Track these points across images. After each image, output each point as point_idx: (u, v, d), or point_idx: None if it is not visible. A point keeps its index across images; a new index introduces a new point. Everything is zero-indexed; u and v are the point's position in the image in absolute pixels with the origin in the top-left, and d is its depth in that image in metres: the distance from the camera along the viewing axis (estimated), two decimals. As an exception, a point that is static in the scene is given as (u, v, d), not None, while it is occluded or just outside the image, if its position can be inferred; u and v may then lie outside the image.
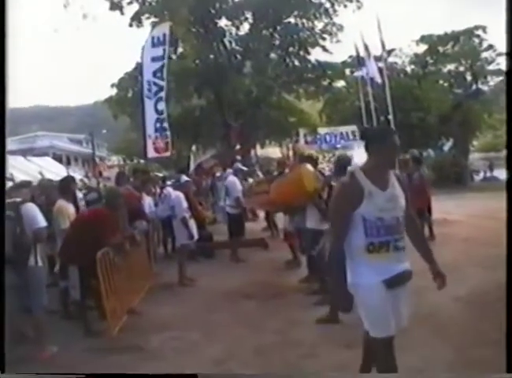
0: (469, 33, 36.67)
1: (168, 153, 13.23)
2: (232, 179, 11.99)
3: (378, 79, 27.59)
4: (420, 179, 12.14)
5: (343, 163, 6.82)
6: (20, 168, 19.15)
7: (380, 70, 28.08)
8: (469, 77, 37.26)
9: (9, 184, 7.81)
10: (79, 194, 9.61)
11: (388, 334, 3.71)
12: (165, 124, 12.92)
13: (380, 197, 3.63)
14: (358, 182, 3.63)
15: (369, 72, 28.17)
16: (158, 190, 11.96)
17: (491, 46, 36.38)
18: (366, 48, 28.51)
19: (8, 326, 5.87)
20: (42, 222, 5.81)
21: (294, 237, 9.51)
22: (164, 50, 13.26)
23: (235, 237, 11.46)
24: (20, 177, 14.02)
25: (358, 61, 30.57)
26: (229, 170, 13.62)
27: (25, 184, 7.32)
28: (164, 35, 13.38)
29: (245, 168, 13.88)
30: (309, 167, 7.47)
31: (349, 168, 6.41)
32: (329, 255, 3.74)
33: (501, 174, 34.96)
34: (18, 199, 5.85)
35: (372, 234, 3.61)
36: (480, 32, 36.26)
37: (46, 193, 8.98)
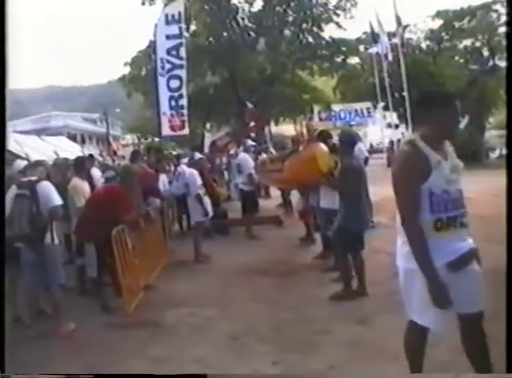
0: (487, 8, 36.10)
1: (185, 132, 13.22)
2: (244, 156, 12.00)
3: (389, 57, 27.42)
4: None
5: (348, 141, 6.73)
6: (35, 148, 19.24)
7: (395, 46, 27.89)
8: (485, 53, 36.79)
9: (24, 163, 7.87)
10: (98, 172, 9.63)
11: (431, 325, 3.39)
12: (182, 102, 12.88)
13: (446, 167, 3.30)
14: (422, 151, 3.24)
15: (383, 49, 28.04)
16: (173, 168, 11.97)
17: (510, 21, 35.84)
18: (380, 25, 28.31)
19: (27, 302, 5.97)
20: (57, 200, 5.81)
21: (309, 215, 9.50)
22: (180, 27, 13.19)
23: (249, 214, 11.46)
24: (35, 157, 14.08)
25: (373, 38, 30.36)
26: (241, 147, 13.58)
27: (40, 163, 7.33)
28: (179, 12, 13.28)
29: (254, 144, 13.81)
30: (323, 146, 7.40)
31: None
32: (412, 239, 3.26)
33: (517, 151, 34.75)
34: (33, 178, 5.85)
35: (439, 209, 3.26)
36: (498, 7, 35.68)
37: (62, 172, 9.04)
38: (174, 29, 13.11)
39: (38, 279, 5.76)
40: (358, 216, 6.35)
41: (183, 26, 13.36)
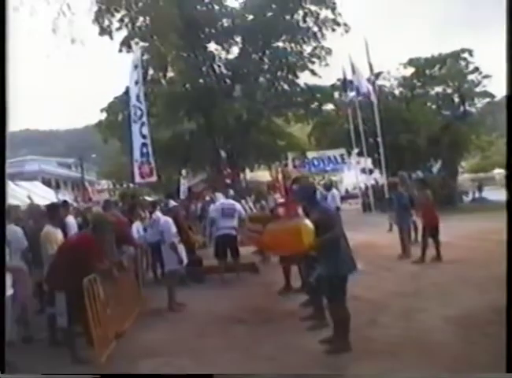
0: (456, 56, 37.10)
1: (152, 179, 13.21)
2: (229, 202, 12.02)
3: (373, 98, 27.85)
4: (426, 200, 12.23)
5: (306, 195, 6.69)
6: (9, 193, 19.00)
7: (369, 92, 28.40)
8: (456, 99, 37.58)
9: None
10: (72, 219, 9.54)
11: None
12: (148, 149, 12.90)
13: None
14: None
15: (361, 91, 28.49)
16: (148, 215, 11.90)
17: (477, 69, 36.83)
18: (354, 70, 28.84)
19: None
20: None
21: (290, 261, 9.39)
22: (137, 73, 13.37)
23: (226, 259, 11.46)
24: (8, 201, 13.93)
25: (345, 84, 30.87)
26: (218, 193, 13.54)
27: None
28: (137, 58, 13.53)
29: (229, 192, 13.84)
30: (308, 222, 7.19)
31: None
32: None
33: (490, 195, 35.17)
34: None
35: None
36: (466, 55, 36.71)
37: (35, 218, 8.94)
38: (137, 74, 13.29)
39: None
40: (338, 259, 6.18)
41: (140, 71, 13.51)
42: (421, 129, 32.18)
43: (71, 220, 9.30)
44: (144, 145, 12.83)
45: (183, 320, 8.20)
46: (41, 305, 8.11)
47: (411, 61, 38.47)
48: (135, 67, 13.33)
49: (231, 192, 14.04)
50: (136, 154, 12.78)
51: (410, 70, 38.69)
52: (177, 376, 4.84)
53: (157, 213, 10.58)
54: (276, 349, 6.37)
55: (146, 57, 27.57)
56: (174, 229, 9.33)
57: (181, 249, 9.35)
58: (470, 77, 37.16)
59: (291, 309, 8.30)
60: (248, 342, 6.79)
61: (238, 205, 11.87)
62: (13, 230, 7.80)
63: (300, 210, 7.26)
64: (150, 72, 31.19)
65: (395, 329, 6.74)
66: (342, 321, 6.23)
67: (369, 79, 29.23)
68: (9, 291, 5.75)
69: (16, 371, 5.92)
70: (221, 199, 12.57)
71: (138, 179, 12.92)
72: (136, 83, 13.14)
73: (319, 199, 6.73)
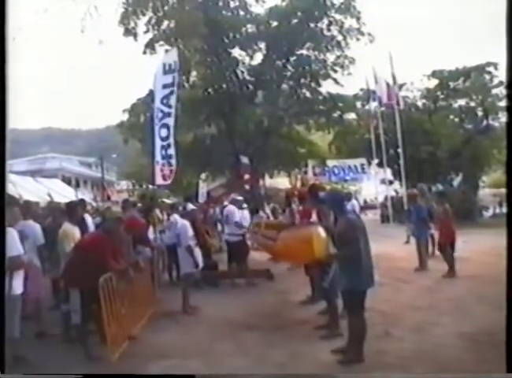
0: (481, 69, 36.80)
1: (172, 181, 13.24)
2: (230, 208, 12.09)
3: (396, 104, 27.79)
4: (445, 214, 12.16)
5: (335, 201, 6.56)
6: (29, 189, 19.25)
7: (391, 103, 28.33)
8: (479, 113, 37.30)
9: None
10: (90, 218, 9.61)
11: None
12: (170, 151, 12.91)
13: None
14: None
15: (383, 101, 28.47)
16: (166, 217, 11.95)
17: (502, 83, 36.51)
18: (376, 80, 28.77)
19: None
20: (17, 250, 5.68)
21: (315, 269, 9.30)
22: (173, 77, 13.33)
23: (237, 265, 11.57)
24: (28, 197, 14.08)
25: (369, 95, 30.78)
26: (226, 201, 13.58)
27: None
28: (174, 62, 13.46)
29: (241, 198, 13.83)
30: (321, 230, 7.14)
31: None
32: None
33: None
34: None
35: None
36: (491, 69, 36.38)
37: (54, 215, 9.03)
38: (169, 78, 13.26)
39: None
40: (357, 274, 6.03)
41: (177, 75, 13.47)
42: (442, 142, 31.99)
43: (89, 219, 9.36)
44: (163, 147, 12.84)
45: (196, 324, 8.21)
46: (56, 302, 8.16)
47: (435, 73, 38.25)
48: (169, 70, 13.30)
49: (237, 197, 14.00)
50: (158, 156, 12.79)
51: (434, 82, 38.47)
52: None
53: (175, 216, 10.63)
54: (287, 356, 6.36)
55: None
56: (191, 232, 9.35)
57: (197, 252, 9.38)
58: (494, 91, 36.79)
59: (305, 317, 8.29)
60: (260, 348, 6.78)
61: (235, 213, 11.95)
62: (32, 225, 7.88)
63: (315, 217, 7.23)
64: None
65: (408, 343, 6.70)
66: (358, 333, 6.16)
67: (392, 91, 29.11)
68: (20, 288, 5.74)
69: (27, 366, 5.97)
70: (228, 206, 12.64)
71: (159, 181, 12.93)
72: (165, 86, 13.11)
73: (347, 208, 6.64)
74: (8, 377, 4.50)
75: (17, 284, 5.72)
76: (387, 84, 28.85)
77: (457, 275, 11.39)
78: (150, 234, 10.09)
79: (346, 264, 6.15)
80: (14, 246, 5.66)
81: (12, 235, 5.73)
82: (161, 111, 12.90)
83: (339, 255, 6.30)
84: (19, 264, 5.74)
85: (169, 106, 12.97)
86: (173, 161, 12.62)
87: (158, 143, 12.78)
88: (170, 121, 12.93)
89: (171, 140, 12.87)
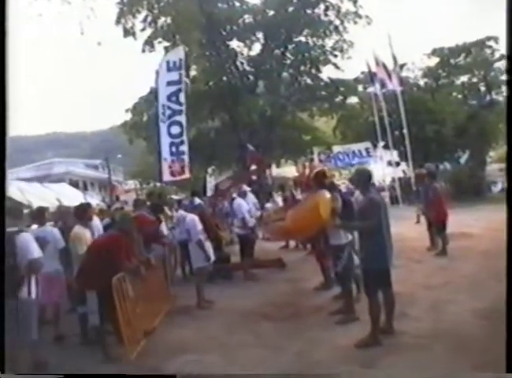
0: (481, 44, 36.63)
1: (185, 176, 13.22)
2: (238, 201, 12.10)
3: (397, 89, 27.67)
4: (435, 193, 12.07)
5: (363, 178, 6.63)
6: (38, 195, 19.33)
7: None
8: (482, 88, 37.15)
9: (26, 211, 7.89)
10: (97, 220, 9.63)
11: None
12: (183, 148, 12.90)
13: None
14: None
15: (386, 83, 28.34)
16: (175, 213, 11.97)
17: (503, 56, 36.28)
18: (377, 62, 28.62)
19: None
20: (37, 252, 5.69)
21: (327, 256, 9.35)
22: (180, 74, 13.29)
23: (245, 257, 11.51)
24: (37, 203, 14.13)
25: (370, 77, 30.65)
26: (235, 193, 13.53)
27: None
28: (180, 59, 13.42)
29: (248, 189, 13.84)
30: (326, 193, 7.31)
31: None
32: None
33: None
34: (13, 229, 5.69)
35: None
36: (491, 43, 36.19)
37: (64, 219, 9.06)
38: (174, 75, 13.22)
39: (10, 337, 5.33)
40: (381, 252, 6.15)
41: (183, 72, 13.44)
42: (447, 119, 31.88)
43: (95, 222, 9.36)
44: (173, 144, 12.83)
45: (212, 317, 8.21)
46: (71, 305, 8.21)
47: (435, 51, 38.11)
48: (174, 67, 13.27)
49: (245, 187, 13.96)
50: (165, 153, 12.78)
51: (435, 60, 38.36)
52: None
53: (181, 212, 10.63)
54: (304, 344, 6.37)
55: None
56: (200, 226, 9.35)
57: (208, 246, 9.38)
58: (496, 65, 36.58)
59: (320, 303, 8.30)
60: (277, 338, 6.80)
61: (242, 206, 11.95)
62: (50, 230, 7.94)
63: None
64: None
65: (425, 322, 6.70)
66: (388, 307, 6.34)
67: (393, 71, 28.94)
68: (34, 292, 5.76)
69: (46, 370, 6.00)
70: (236, 198, 12.63)
71: (168, 177, 12.93)
72: (169, 83, 13.09)
73: (371, 188, 6.66)
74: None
75: (32, 288, 5.73)
76: (385, 67, 28.69)
77: (469, 251, 11.37)
78: (161, 231, 10.09)
79: (368, 242, 6.22)
80: (34, 249, 5.66)
81: (29, 238, 5.74)
82: (170, 108, 12.89)
83: (356, 226, 6.52)
84: (39, 266, 5.76)
85: (180, 104, 12.97)
86: (186, 157, 12.66)
87: (166, 140, 12.78)
88: (182, 118, 12.95)
89: (184, 137, 12.89)
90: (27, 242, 5.67)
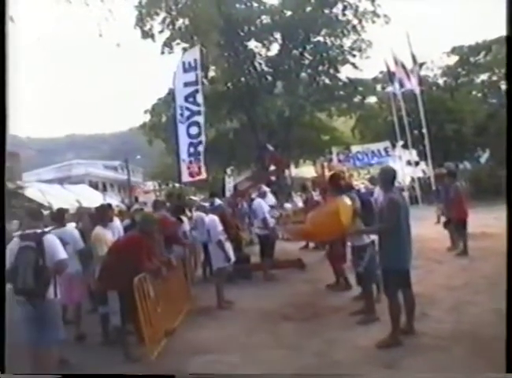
0: (502, 42, 36.23)
1: (202, 176, 13.28)
2: (258, 202, 12.08)
3: (416, 89, 27.49)
4: (455, 193, 12.00)
5: (388, 177, 6.60)
6: (58, 196, 19.54)
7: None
8: (503, 86, 36.79)
9: (46, 212, 7.98)
10: (117, 221, 9.69)
11: None
12: (200, 148, 12.96)
13: None
14: None
15: (404, 83, 28.18)
16: (194, 214, 12.04)
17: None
18: (396, 61, 28.46)
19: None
20: (63, 254, 5.74)
21: (339, 259, 9.37)
22: (196, 74, 13.35)
23: (266, 257, 11.48)
24: (57, 204, 14.27)
25: (389, 77, 30.50)
26: (255, 193, 13.52)
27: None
28: (195, 60, 13.48)
29: (268, 189, 13.85)
30: (346, 199, 7.29)
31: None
32: None
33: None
34: (39, 230, 5.76)
35: None
36: (513, 40, 35.84)
37: (83, 220, 9.14)
38: (191, 76, 13.29)
39: (37, 337, 5.55)
40: (400, 252, 6.16)
41: (200, 73, 13.51)
42: (466, 118, 31.64)
43: (116, 222, 9.42)
44: (192, 144, 12.89)
45: (232, 318, 8.23)
46: (93, 305, 8.28)
47: (454, 50, 37.85)
48: (190, 68, 13.33)
49: (265, 188, 13.97)
50: (183, 154, 12.86)
51: (454, 58, 38.08)
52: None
53: (199, 213, 10.68)
54: (325, 344, 6.37)
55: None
56: (220, 227, 9.37)
57: (228, 247, 9.40)
58: (518, 62, 36.22)
59: (340, 304, 8.29)
60: (297, 338, 6.81)
61: (262, 206, 11.93)
62: (70, 231, 8.02)
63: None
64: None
65: (446, 323, 6.67)
66: (409, 307, 6.33)
67: (412, 71, 28.78)
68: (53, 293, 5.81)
69: (68, 369, 6.07)
70: (256, 199, 12.63)
71: (186, 178, 13.01)
72: (185, 84, 13.15)
73: (394, 188, 6.61)
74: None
75: (58, 289, 5.79)
76: (404, 66, 28.52)
77: (489, 251, 11.28)
78: (181, 232, 10.13)
79: (388, 242, 6.21)
80: (60, 250, 5.72)
81: (55, 239, 5.79)
82: (188, 109, 12.96)
83: (373, 229, 6.58)
84: (65, 267, 5.82)
85: (197, 104, 13.03)
86: (201, 157, 12.71)
87: (185, 141, 12.85)
88: (200, 119, 13.02)
89: (202, 138, 12.94)
90: (54, 243, 5.72)
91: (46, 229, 6.08)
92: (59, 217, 8.29)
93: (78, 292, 7.79)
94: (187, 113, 13.01)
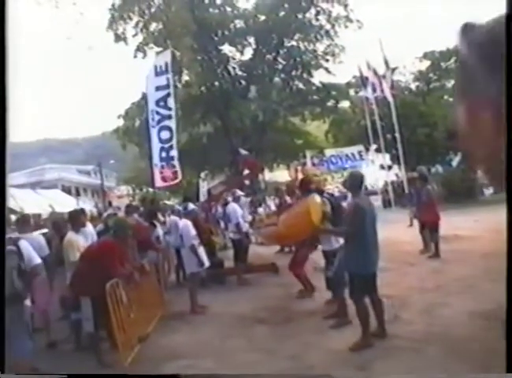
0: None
1: (175, 182, 13.22)
2: (232, 206, 12.11)
3: (388, 94, 27.69)
4: (427, 196, 12.14)
5: (355, 182, 6.60)
6: (30, 201, 19.30)
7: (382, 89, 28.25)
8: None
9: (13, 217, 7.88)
10: (90, 226, 9.60)
11: None
12: (173, 153, 12.89)
13: None
14: None
15: (377, 88, 28.37)
16: (168, 219, 11.99)
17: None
18: (368, 66, 28.66)
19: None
20: (37, 259, 5.69)
21: (298, 266, 9.35)
22: (167, 78, 13.27)
23: (239, 262, 11.49)
24: (29, 209, 14.12)
25: (362, 81, 30.74)
26: (229, 198, 13.49)
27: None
28: (166, 63, 13.41)
29: (242, 194, 13.87)
30: (317, 198, 7.34)
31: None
32: None
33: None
34: (14, 235, 5.69)
35: None
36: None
37: (56, 225, 9.04)
38: (162, 80, 13.23)
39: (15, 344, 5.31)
40: (365, 258, 6.17)
41: (171, 76, 13.44)
42: (438, 123, 31.98)
43: (89, 228, 9.32)
44: (163, 149, 12.82)
45: (206, 322, 8.21)
46: (64, 312, 8.18)
47: (426, 55, 38.29)
48: (161, 71, 13.26)
49: (239, 192, 13.98)
50: (156, 159, 12.79)
51: (426, 63, 38.52)
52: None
53: (173, 218, 10.64)
54: (299, 348, 6.38)
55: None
56: (193, 232, 9.34)
57: (201, 251, 9.37)
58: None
59: (313, 307, 8.31)
60: (271, 342, 6.81)
61: (236, 211, 11.95)
62: (35, 238, 7.92)
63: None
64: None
65: (418, 325, 6.72)
66: (377, 311, 6.36)
67: (384, 75, 29.03)
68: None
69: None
70: (230, 203, 12.62)
71: (159, 183, 12.94)
72: (157, 88, 13.09)
73: (361, 192, 6.64)
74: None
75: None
76: (375, 72, 28.76)
77: (461, 253, 11.42)
78: (154, 237, 10.08)
79: (352, 247, 6.23)
80: (34, 255, 5.67)
81: (28, 244, 5.74)
82: (159, 113, 12.88)
83: (340, 231, 6.61)
84: (40, 272, 5.77)
85: (168, 108, 12.95)
86: (176, 163, 12.64)
87: (157, 146, 12.78)
88: (171, 123, 12.92)
89: (173, 142, 12.86)
90: (28, 248, 5.69)
91: (12, 235, 5.99)
92: (23, 223, 8.20)
93: (44, 299, 7.66)
94: (157, 118, 12.93)
